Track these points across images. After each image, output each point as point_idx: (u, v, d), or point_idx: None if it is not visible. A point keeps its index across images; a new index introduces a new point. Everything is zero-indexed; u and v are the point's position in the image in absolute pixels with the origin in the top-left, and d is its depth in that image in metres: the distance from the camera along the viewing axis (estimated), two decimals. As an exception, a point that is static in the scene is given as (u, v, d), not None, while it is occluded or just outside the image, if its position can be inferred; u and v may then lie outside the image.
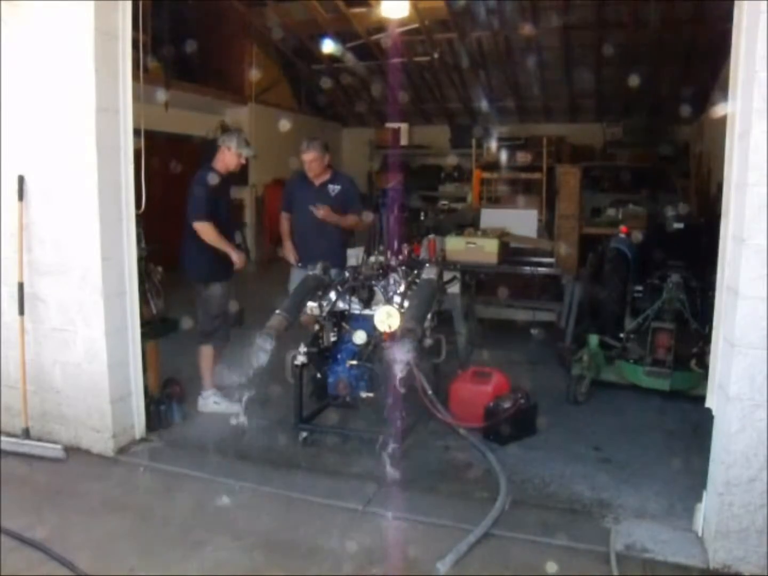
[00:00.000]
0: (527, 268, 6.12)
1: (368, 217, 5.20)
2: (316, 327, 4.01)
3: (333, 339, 3.99)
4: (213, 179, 4.40)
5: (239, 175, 11.01)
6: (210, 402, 4.59)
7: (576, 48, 10.29)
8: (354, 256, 5.19)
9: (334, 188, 4.96)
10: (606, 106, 11.80)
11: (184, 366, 4.83)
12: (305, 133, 12.32)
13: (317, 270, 4.16)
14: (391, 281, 4.09)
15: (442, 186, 12.83)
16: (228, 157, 4.48)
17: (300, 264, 4.93)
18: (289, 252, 5.12)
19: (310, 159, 4.84)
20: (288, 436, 4.11)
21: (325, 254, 4.50)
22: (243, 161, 4.53)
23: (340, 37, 10.52)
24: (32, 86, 3.78)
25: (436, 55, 10.83)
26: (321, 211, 4.79)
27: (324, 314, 3.95)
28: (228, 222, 4.72)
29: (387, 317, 3.65)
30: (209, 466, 3.73)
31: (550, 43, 10.19)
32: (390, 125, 13.21)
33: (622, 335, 5.12)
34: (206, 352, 4.58)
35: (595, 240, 7.99)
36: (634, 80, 9.31)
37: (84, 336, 3.85)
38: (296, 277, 4.79)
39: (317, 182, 4.96)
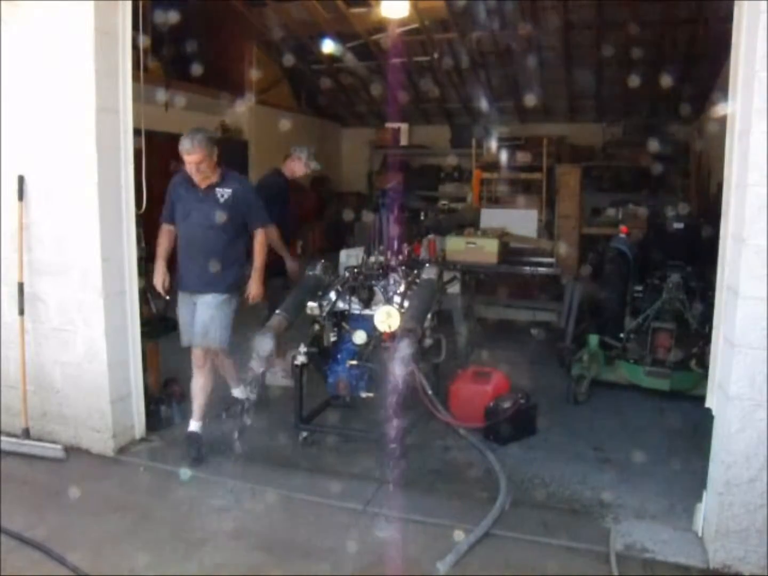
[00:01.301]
0: (527, 268, 6.11)
1: (272, 233, 4.25)
2: (316, 327, 4.02)
3: (333, 339, 3.99)
4: (279, 182, 4.99)
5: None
6: (278, 376, 4.96)
7: (576, 48, 10.29)
8: (354, 256, 5.18)
9: (223, 193, 3.89)
10: (606, 106, 11.80)
11: (184, 366, 4.83)
12: (305, 133, 12.40)
13: (317, 270, 4.16)
14: (391, 281, 4.10)
15: (442, 186, 12.80)
16: (297, 166, 5.09)
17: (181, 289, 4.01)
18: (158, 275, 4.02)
19: (198, 160, 3.74)
20: (288, 436, 4.11)
21: (211, 276, 3.82)
22: (309, 171, 5.18)
23: (340, 37, 10.50)
24: (32, 86, 3.78)
25: (436, 55, 10.81)
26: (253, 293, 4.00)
27: (324, 314, 3.95)
28: (287, 227, 4.88)
29: (387, 317, 3.65)
30: (209, 466, 3.73)
31: (550, 43, 10.17)
32: (390, 125, 13.20)
33: (622, 335, 5.12)
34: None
35: (595, 240, 8.00)
36: (634, 80, 9.30)
37: (84, 336, 3.86)
38: (182, 306, 3.96)
39: (203, 185, 3.90)
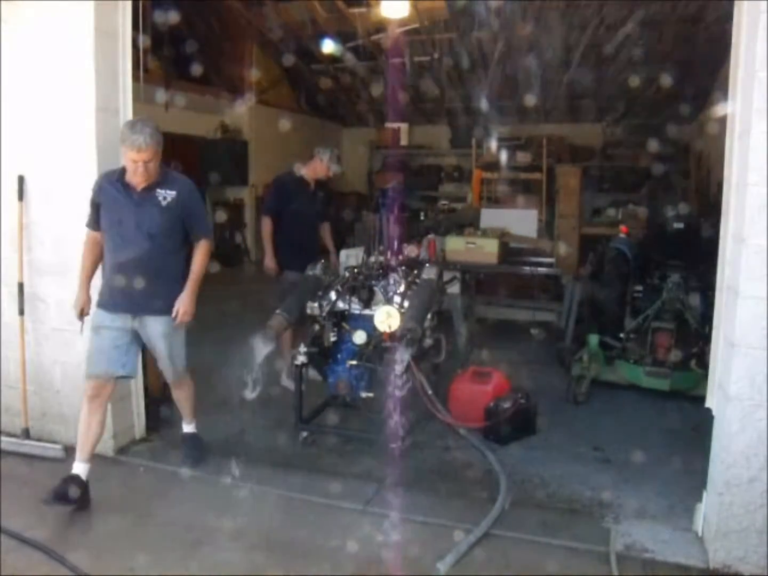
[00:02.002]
0: (527, 268, 6.12)
1: (211, 245, 3.61)
2: (316, 327, 4.02)
3: (333, 339, 3.99)
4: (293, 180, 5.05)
5: (239, 175, 11.11)
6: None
7: (576, 48, 10.29)
8: (354, 256, 5.19)
9: (165, 195, 3.33)
10: (606, 106, 11.80)
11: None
12: (305, 133, 12.41)
13: (317, 270, 4.16)
14: (391, 281, 4.10)
15: (442, 186, 12.82)
16: (319, 167, 5.07)
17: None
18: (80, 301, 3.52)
19: (149, 158, 3.19)
20: (288, 436, 4.11)
21: (154, 295, 3.34)
22: (330, 174, 5.13)
23: (340, 37, 10.51)
24: (32, 86, 3.78)
25: (436, 55, 10.82)
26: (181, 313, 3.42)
27: (324, 314, 3.95)
28: (302, 226, 4.97)
29: (387, 317, 3.65)
30: (209, 466, 3.73)
31: (550, 43, 10.18)
32: (390, 125, 13.20)
33: (622, 335, 5.12)
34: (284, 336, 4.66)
35: (595, 240, 8.00)
36: (634, 80, 9.31)
37: (84, 336, 3.85)
38: (102, 329, 3.38)
39: (141, 186, 3.30)
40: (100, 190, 3.36)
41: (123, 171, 3.30)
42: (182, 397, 3.76)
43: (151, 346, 3.48)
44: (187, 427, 3.86)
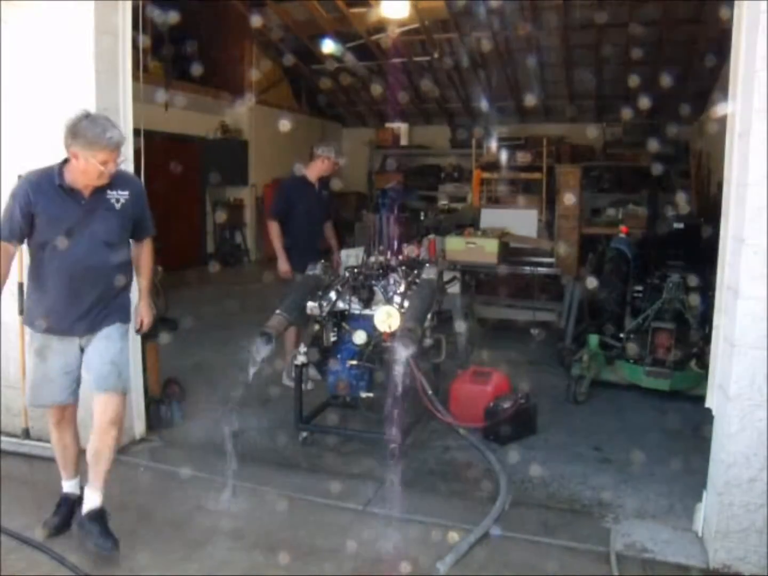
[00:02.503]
0: (527, 268, 6.12)
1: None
2: (316, 328, 4.02)
3: (333, 339, 3.99)
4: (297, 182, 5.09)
5: (239, 175, 11.12)
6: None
7: (576, 48, 10.29)
8: (354, 256, 5.19)
9: (118, 197, 2.89)
10: (606, 106, 11.80)
11: (184, 366, 4.84)
12: (305, 133, 12.41)
13: (317, 270, 4.16)
14: (391, 281, 4.10)
15: (442, 186, 12.82)
16: (326, 165, 5.07)
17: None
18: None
19: (116, 157, 2.79)
20: (288, 436, 4.11)
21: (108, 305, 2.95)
22: (336, 168, 5.19)
23: (340, 37, 10.52)
24: (32, 86, 3.77)
25: (436, 55, 10.83)
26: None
27: (324, 314, 3.95)
28: (310, 226, 5.02)
29: (387, 317, 3.65)
30: (209, 466, 3.72)
31: (550, 43, 10.18)
32: (390, 125, 13.22)
33: (622, 335, 5.12)
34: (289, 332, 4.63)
35: (595, 240, 7.99)
36: (634, 80, 9.31)
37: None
38: (48, 353, 2.95)
39: (88, 190, 2.83)
40: (31, 198, 2.75)
41: (59, 173, 2.78)
42: (108, 435, 2.87)
43: (96, 353, 2.91)
44: (95, 497, 2.91)
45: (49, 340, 2.91)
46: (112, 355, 2.92)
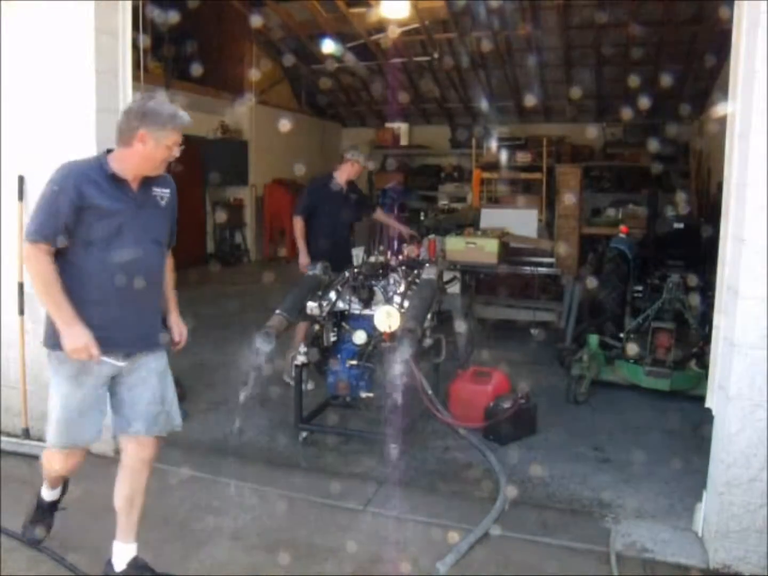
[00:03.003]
0: (527, 268, 6.12)
1: None
2: (316, 328, 4.01)
3: (333, 339, 3.99)
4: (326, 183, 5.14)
5: (239, 175, 11.12)
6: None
7: (576, 48, 10.29)
8: (354, 256, 5.20)
9: (162, 194, 2.63)
10: (606, 106, 11.81)
11: (184, 366, 4.83)
12: (305, 133, 12.41)
13: (317, 270, 4.16)
14: (391, 281, 4.10)
15: (442, 186, 12.83)
16: (353, 169, 5.14)
17: None
18: None
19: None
20: (288, 436, 4.11)
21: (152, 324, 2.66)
22: (366, 169, 5.37)
23: (340, 37, 10.52)
24: (32, 86, 3.77)
25: (436, 55, 10.83)
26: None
27: (324, 314, 3.95)
28: (332, 228, 5.05)
29: (387, 317, 3.65)
30: (209, 466, 3.73)
31: (550, 43, 10.19)
32: (390, 125, 13.22)
33: (622, 335, 5.12)
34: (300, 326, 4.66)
35: (595, 240, 8.00)
36: (634, 80, 9.32)
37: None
38: (81, 377, 2.51)
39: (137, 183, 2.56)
40: (82, 189, 2.39)
41: (105, 163, 2.48)
42: (143, 475, 2.67)
43: (146, 388, 2.59)
44: (131, 548, 2.70)
45: (87, 362, 2.42)
46: (163, 390, 2.61)
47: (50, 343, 2.46)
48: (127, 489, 2.64)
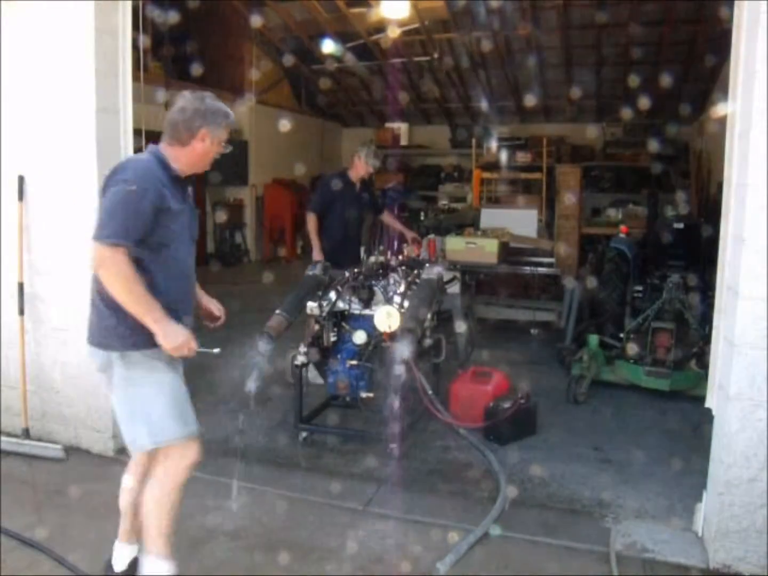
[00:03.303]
0: (527, 268, 6.13)
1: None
2: (316, 327, 4.01)
3: (333, 339, 3.99)
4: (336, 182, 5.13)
5: (239, 175, 11.12)
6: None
7: (576, 48, 10.29)
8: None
9: (189, 191, 2.68)
10: (606, 106, 11.81)
11: (183, 366, 4.82)
12: (305, 133, 12.41)
13: (317, 270, 4.16)
14: (391, 281, 4.10)
15: (442, 186, 12.83)
16: (360, 166, 5.14)
17: None
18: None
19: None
20: (288, 436, 4.11)
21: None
22: (371, 170, 5.21)
23: (340, 37, 10.52)
24: (32, 86, 3.78)
25: (436, 55, 10.83)
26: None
27: (324, 314, 3.95)
28: (343, 225, 5.11)
29: (387, 317, 3.65)
30: (209, 466, 3.72)
31: (550, 43, 10.19)
32: (390, 125, 13.22)
33: (622, 335, 5.12)
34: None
35: (595, 240, 8.00)
36: (634, 80, 9.32)
37: (84, 336, 3.85)
38: (171, 371, 2.58)
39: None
40: (159, 191, 2.31)
41: (167, 163, 2.41)
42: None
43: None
44: (132, 551, 2.68)
45: (165, 356, 2.41)
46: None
47: (135, 343, 2.37)
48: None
